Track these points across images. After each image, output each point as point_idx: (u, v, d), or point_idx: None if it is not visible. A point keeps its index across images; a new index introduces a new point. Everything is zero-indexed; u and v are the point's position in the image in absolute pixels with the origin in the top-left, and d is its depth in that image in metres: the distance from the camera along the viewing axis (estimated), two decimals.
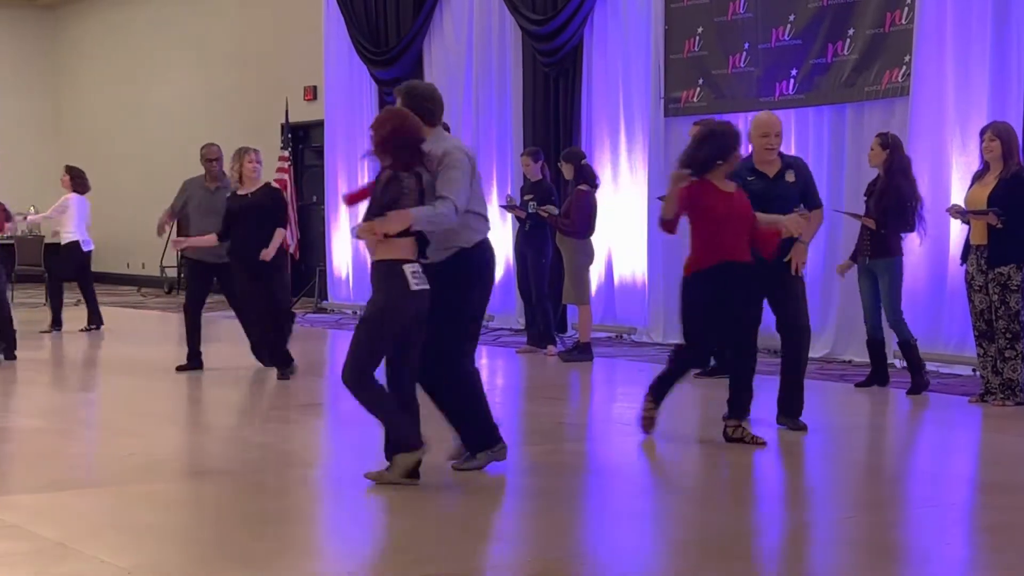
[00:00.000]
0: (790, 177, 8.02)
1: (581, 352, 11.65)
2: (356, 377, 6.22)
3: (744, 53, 12.32)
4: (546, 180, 12.26)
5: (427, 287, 6.30)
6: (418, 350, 6.41)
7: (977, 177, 9.06)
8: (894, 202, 9.31)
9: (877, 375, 9.73)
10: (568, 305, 12.99)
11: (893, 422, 9.02)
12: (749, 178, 7.97)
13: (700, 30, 12.73)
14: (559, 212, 11.75)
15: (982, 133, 8.96)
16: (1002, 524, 5.81)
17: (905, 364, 9.69)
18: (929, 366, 10.66)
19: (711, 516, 6.08)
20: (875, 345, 9.72)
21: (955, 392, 9.56)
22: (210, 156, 10.98)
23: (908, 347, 9.48)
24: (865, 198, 9.71)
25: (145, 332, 14.85)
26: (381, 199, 6.26)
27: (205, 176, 11.02)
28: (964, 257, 9.06)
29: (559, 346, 12.22)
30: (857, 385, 9.86)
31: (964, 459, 7.66)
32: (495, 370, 11.51)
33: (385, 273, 6.27)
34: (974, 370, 9.92)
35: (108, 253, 23.57)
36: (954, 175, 10.53)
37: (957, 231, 10.14)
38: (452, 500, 6.35)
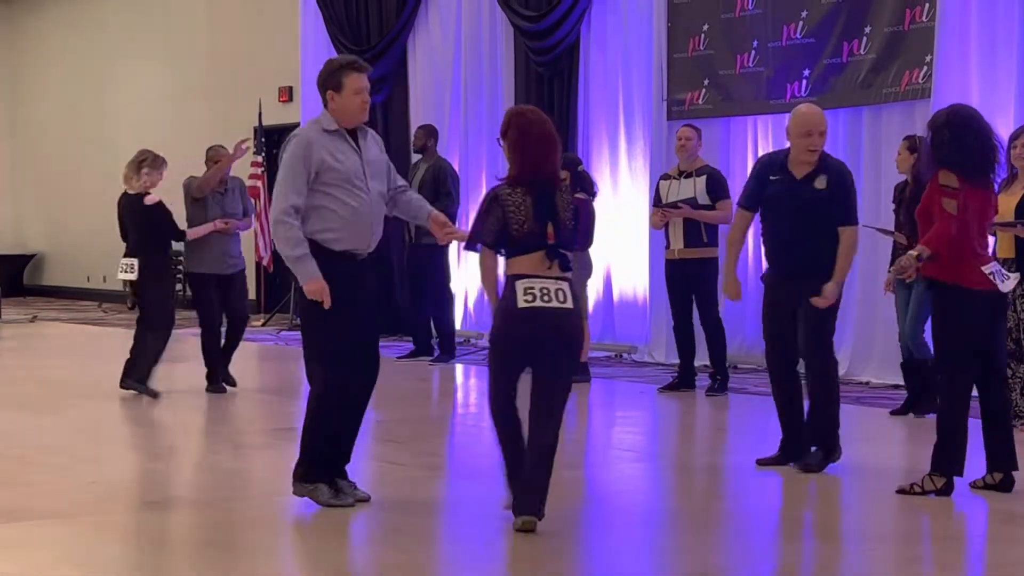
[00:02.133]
0: (820, 183, 7.54)
1: (578, 372, 11.63)
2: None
3: (753, 52, 12.35)
4: None
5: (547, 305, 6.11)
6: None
7: (1003, 186, 9.04)
8: None
9: (916, 401, 9.62)
10: None
11: (909, 447, 9.01)
12: (772, 177, 7.64)
13: (705, 27, 12.76)
14: None
15: (1012, 139, 8.95)
16: None
17: (905, 383, 9.65)
18: None
19: (715, 548, 6.08)
20: (910, 366, 9.65)
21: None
22: (217, 158, 11.03)
23: (925, 367, 9.45)
24: (894, 207, 9.71)
25: (107, 351, 14.79)
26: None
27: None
28: None
29: None
30: (892, 413, 9.78)
31: (992, 492, 7.64)
32: (483, 392, 11.47)
33: None
34: None
35: (66, 266, 23.60)
36: None
37: None
38: (437, 532, 6.34)
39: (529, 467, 6.08)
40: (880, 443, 8.65)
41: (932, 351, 9.36)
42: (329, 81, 6.54)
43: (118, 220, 10.77)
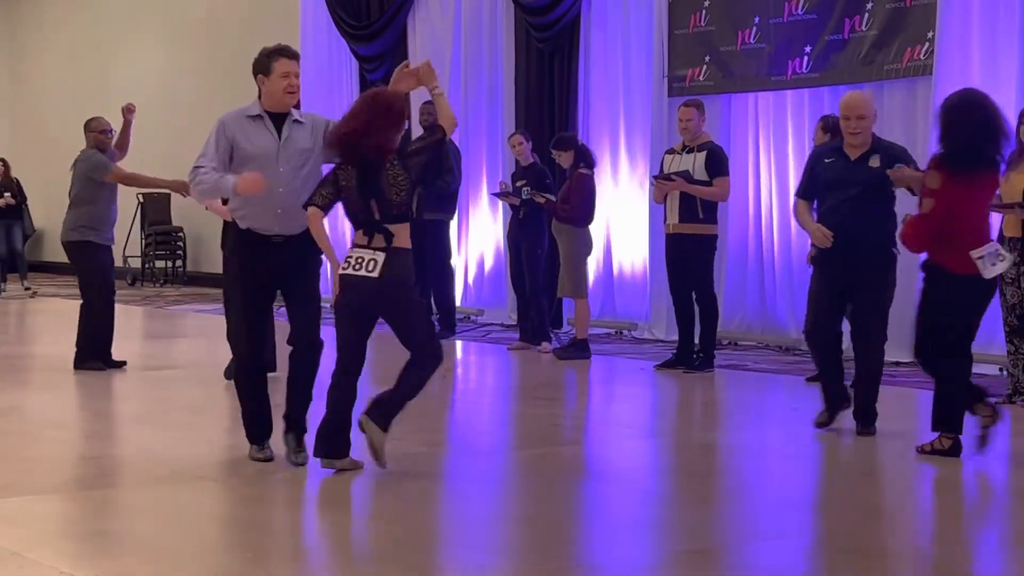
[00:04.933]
0: (874, 162, 7.80)
1: (578, 349, 11.64)
2: None
3: (754, 28, 12.31)
4: (538, 163, 12.26)
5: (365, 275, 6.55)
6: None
7: (1012, 163, 9.01)
8: None
9: None
10: (564, 299, 12.98)
11: (906, 423, 9.01)
12: (827, 160, 7.96)
13: (707, 3, 12.72)
14: (556, 198, 11.73)
15: (1021, 116, 8.93)
16: None
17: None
18: None
19: (718, 524, 6.08)
20: None
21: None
22: (102, 127, 10.95)
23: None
24: None
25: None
26: None
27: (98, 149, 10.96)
28: None
29: (554, 343, 12.21)
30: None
31: (991, 464, 7.65)
32: (485, 368, 11.49)
33: None
34: (1002, 369, 9.92)
35: None
36: None
37: None
38: (440, 506, 6.34)
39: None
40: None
41: None
42: (258, 66, 6.98)
43: None
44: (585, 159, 11.65)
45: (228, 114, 6.97)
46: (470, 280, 15.05)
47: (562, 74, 14.08)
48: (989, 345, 10.40)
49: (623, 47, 13.57)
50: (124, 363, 10.59)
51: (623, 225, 13.48)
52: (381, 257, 6.55)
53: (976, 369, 10.41)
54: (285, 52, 6.99)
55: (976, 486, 7.06)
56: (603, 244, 13.36)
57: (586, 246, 11.74)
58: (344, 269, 6.59)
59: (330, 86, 17.05)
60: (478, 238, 14.89)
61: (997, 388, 9.46)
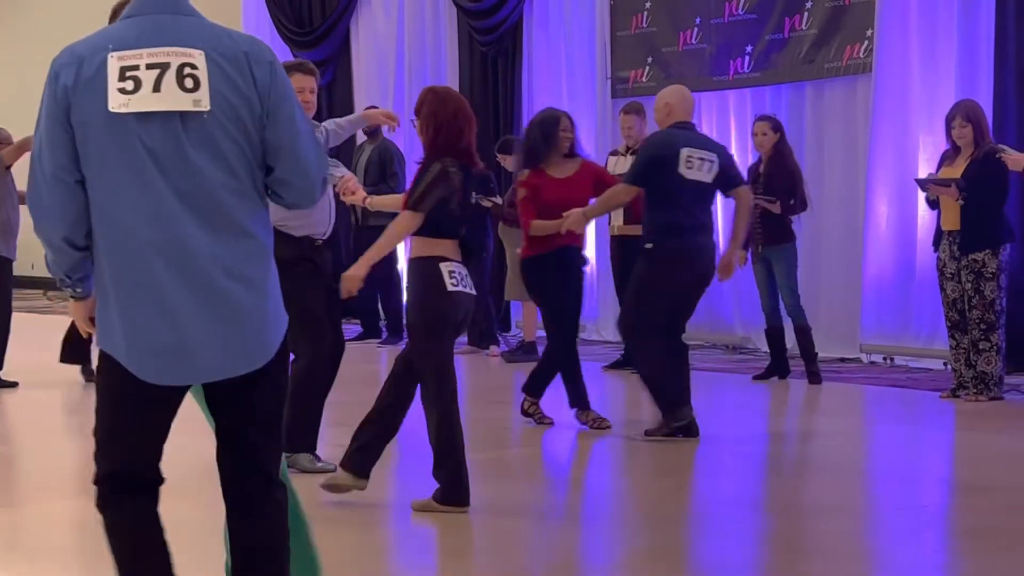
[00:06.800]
0: None
1: (526, 352, 11.64)
2: None
3: (695, 29, 12.35)
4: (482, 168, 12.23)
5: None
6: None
7: (946, 158, 9.13)
8: (790, 185, 9.81)
9: (777, 366, 10.00)
10: (511, 302, 12.97)
11: (855, 420, 9.06)
12: None
13: (648, 5, 12.75)
14: (502, 201, 11.73)
15: (950, 120, 8.99)
16: (978, 527, 5.86)
17: (799, 351, 10.00)
18: (898, 360, 10.80)
19: (668, 523, 6.09)
20: (774, 333, 10.08)
21: (925, 387, 9.65)
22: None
23: (804, 333, 9.83)
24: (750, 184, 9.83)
25: (52, 339, 14.66)
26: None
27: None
28: (936, 243, 9.13)
29: (502, 346, 12.21)
30: (755, 378, 10.04)
31: (936, 458, 7.72)
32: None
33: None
34: (946, 363, 10.00)
35: None
36: (921, 155, 10.61)
37: (924, 214, 10.23)
38: (396, 514, 6.32)
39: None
40: (809, 413, 8.69)
41: (805, 316, 9.71)
42: None
43: None
44: None
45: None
46: None
47: (506, 77, 14.08)
48: (932, 340, 10.49)
49: (566, 49, 13.59)
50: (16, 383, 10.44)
51: None
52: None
53: (920, 364, 10.58)
54: (302, 67, 6.93)
55: (924, 482, 7.10)
56: None
57: None
58: (455, 285, 6.03)
59: None
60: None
61: (942, 383, 9.54)
